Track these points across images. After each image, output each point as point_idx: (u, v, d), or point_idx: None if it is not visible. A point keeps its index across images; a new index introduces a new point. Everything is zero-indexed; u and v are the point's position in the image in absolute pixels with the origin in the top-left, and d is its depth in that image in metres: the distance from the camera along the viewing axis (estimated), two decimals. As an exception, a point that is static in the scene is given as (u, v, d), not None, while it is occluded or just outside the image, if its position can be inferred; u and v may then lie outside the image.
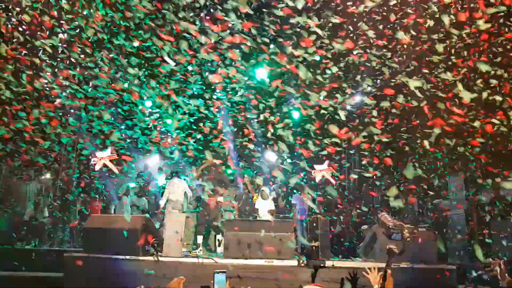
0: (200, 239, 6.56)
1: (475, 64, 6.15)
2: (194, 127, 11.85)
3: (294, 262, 4.78)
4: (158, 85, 10.10)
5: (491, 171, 8.60)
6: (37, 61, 7.96)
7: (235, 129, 11.35)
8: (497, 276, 3.58)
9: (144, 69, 10.23)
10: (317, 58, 7.20)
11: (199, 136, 11.70)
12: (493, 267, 3.62)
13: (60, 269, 5.32)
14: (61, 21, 8.41)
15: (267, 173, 10.53)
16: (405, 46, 6.91)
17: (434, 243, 5.28)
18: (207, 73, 10.95)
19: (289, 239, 5.06)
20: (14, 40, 7.82)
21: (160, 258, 4.70)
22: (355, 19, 7.15)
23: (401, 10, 6.91)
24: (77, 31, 8.20)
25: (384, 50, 7.14)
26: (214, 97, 11.00)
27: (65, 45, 8.63)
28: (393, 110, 7.57)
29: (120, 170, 11.57)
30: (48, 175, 10.53)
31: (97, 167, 11.52)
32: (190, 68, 10.06)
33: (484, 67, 5.67)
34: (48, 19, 7.56)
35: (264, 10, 7.66)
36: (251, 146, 10.82)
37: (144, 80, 10.11)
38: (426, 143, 5.90)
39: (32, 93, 8.49)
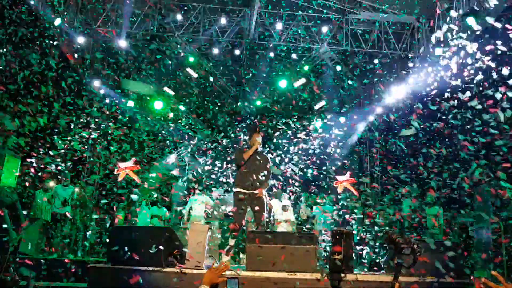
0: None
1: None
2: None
3: (317, 275, 4.72)
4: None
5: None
6: None
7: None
8: None
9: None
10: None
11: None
12: None
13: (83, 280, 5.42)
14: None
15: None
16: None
17: (458, 258, 5.17)
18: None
19: (313, 251, 5.02)
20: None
21: (183, 270, 4.70)
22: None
23: None
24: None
25: None
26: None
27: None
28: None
29: (142, 180, 11.75)
30: (51, 183, 10.63)
31: (120, 178, 11.78)
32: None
33: None
34: None
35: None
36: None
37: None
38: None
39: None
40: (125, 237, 5.13)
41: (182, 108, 15.13)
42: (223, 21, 12.63)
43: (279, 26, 12.70)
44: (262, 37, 12.98)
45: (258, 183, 6.24)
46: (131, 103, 14.18)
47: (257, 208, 6.21)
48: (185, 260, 4.95)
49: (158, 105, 14.29)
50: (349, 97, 15.09)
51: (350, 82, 14.17)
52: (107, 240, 5.28)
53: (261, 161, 6.41)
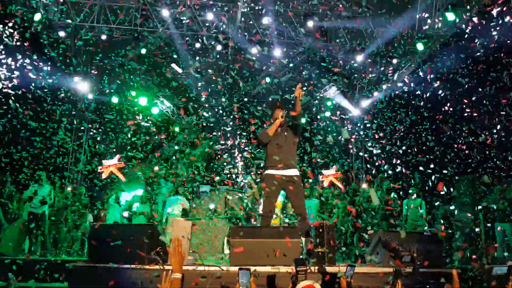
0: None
1: None
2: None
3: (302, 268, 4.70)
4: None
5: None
6: None
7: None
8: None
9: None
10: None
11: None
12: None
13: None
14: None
15: None
16: None
17: (439, 248, 5.24)
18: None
19: (298, 245, 5.00)
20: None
21: (166, 267, 4.65)
22: None
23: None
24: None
25: None
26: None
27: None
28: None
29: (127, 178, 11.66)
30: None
31: (104, 175, 11.64)
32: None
33: None
34: None
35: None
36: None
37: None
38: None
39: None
40: (106, 234, 5.04)
41: (167, 103, 15.03)
42: (209, 16, 12.48)
43: (265, 20, 12.61)
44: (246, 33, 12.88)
45: (292, 162, 5.81)
46: (115, 100, 14.03)
47: (292, 190, 5.75)
48: (167, 257, 4.89)
49: (142, 101, 14.17)
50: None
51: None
52: (88, 238, 5.19)
53: (290, 136, 5.96)
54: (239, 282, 3.30)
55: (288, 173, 5.78)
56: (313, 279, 3.48)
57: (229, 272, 4.51)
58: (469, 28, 9.79)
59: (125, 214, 10.99)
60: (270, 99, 14.33)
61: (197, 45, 12.95)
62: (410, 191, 10.48)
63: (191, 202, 10.18)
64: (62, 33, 11.84)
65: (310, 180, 12.67)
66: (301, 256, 4.84)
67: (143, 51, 12.71)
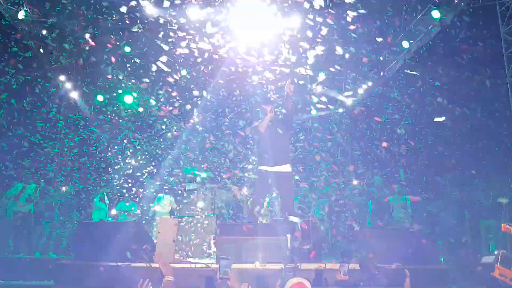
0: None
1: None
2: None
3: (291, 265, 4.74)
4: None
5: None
6: None
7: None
8: None
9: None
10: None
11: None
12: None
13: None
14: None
15: None
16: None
17: (424, 244, 5.31)
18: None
19: (283, 242, 5.03)
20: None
21: (152, 264, 4.66)
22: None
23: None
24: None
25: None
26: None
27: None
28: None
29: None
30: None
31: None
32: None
33: None
34: None
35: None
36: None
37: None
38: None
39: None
40: (93, 232, 5.04)
41: (153, 102, 14.90)
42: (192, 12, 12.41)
43: None
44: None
45: (283, 158, 5.83)
46: (100, 98, 13.91)
47: (283, 186, 5.73)
48: (154, 255, 4.90)
49: (128, 99, 14.05)
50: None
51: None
52: (74, 236, 5.18)
53: (282, 132, 5.91)
54: (219, 270, 3.42)
55: (280, 169, 5.80)
56: (301, 276, 3.53)
57: (215, 269, 4.53)
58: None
59: (113, 212, 10.93)
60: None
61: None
62: (395, 189, 10.57)
63: (177, 199, 10.17)
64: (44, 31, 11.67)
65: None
66: (287, 253, 4.89)
67: (128, 49, 12.60)
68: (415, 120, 11.80)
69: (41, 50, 12.01)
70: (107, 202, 10.89)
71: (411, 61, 11.88)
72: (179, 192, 10.98)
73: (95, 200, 10.98)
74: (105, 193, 10.96)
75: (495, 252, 7.32)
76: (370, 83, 13.58)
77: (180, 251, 5.34)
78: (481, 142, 10.47)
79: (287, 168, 5.84)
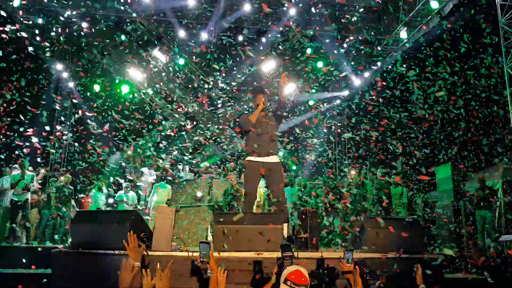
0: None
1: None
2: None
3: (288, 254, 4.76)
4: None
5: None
6: None
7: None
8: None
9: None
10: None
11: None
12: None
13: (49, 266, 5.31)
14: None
15: None
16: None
17: (419, 234, 5.33)
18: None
19: (281, 231, 5.05)
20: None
21: (150, 252, 4.68)
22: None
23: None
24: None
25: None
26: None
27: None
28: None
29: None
30: (43, 170, 10.55)
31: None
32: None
33: None
34: None
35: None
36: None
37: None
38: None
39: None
40: (90, 220, 5.04)
41: (150, 92, 14.87)
42: (190, 2, 12.35)
43: (247, 7, 12.53)
44: (230, 19, 12.83)
45: (272, 149, 5.82)
46: (97, 87, 13.87)
47: (271, 177, 5.79)
48: (151, 243, 4.91)
49: (125, 89, 14.03)
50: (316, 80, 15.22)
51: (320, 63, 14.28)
52: (71, 224, 5.17)
53: (272, 123, 5.95)
54: (200, 254, 3.54)
55: (268, 160, 5.80)
56: (298, 264, 3.54)
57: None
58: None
59: (110, 200, 10.97)
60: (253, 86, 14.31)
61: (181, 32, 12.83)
62: (391, 179, 10.64)
63: (174, 189, 10.20)
64: (40, 20, 11.59)
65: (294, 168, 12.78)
66: (284, 242, 4.90)
67: (123, 37, 12.56)
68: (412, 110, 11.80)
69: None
70: (105, 192, 10.92)
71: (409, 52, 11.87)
72: (176, 182, 11.04)
73: (93, 190, 11.01)
74: (103, 184, 10.99)
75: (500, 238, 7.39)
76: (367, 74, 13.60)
77: (177, 239, 5.33)
78: (477, 132, 10.50)
79: (275, 158, 5.86)
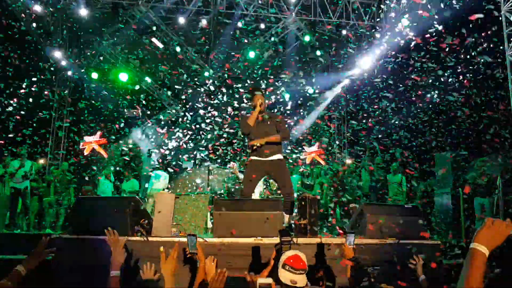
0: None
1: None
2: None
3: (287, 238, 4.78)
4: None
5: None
6: None
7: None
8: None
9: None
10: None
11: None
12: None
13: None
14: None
15: None
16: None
17: (417, 221, 5.34)
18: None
19: (280, 217, 5.06)
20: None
21: (149, 238, 4.69)
22: None
23: None
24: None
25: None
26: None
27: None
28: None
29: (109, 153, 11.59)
30: (42, 161, 10.59)
31: (86, 152, 11.55)
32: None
33: None
34: None
35: None
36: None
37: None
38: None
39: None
40: (90, 207, 5.05)
41: (148, 80, 14.80)
42: None
43: None
44: (229, 5, 12.73)
45: (275, 148, 5.79)
46: (95, 75, 13.80)
47: (278, 173, 5.82)
48: (151, 229, 4.93)
49: (123, 77, 13.95)
50: (317, 67, 15.16)
51: (318, 52, 14.20)
52: (72, 210, 5.18)
53: (272, 125, 5.91)
54: (188, 246, 3.66)
55: (273, 158, 5.80)
56: (297, 249, 3.56)
57: (211, 244, 4.58)
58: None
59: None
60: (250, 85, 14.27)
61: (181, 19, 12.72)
62: (391, 167, 10.66)
63: (174, 176, 10.23)
64: (38, 7, 11.48)
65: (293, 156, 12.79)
66: (283, 228, 4.92)
67: (122, 25, 12.47)
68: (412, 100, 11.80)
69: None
70: (113, 180, 10.93)
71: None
72: (176, 170, 11.07)
73: (100, 179, 11.01)
74: (111, 172, 11.00)
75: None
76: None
77: (177, 225, 5.35)
78: (478, 121, 10.49)
79: (279, 156, 5.86)
